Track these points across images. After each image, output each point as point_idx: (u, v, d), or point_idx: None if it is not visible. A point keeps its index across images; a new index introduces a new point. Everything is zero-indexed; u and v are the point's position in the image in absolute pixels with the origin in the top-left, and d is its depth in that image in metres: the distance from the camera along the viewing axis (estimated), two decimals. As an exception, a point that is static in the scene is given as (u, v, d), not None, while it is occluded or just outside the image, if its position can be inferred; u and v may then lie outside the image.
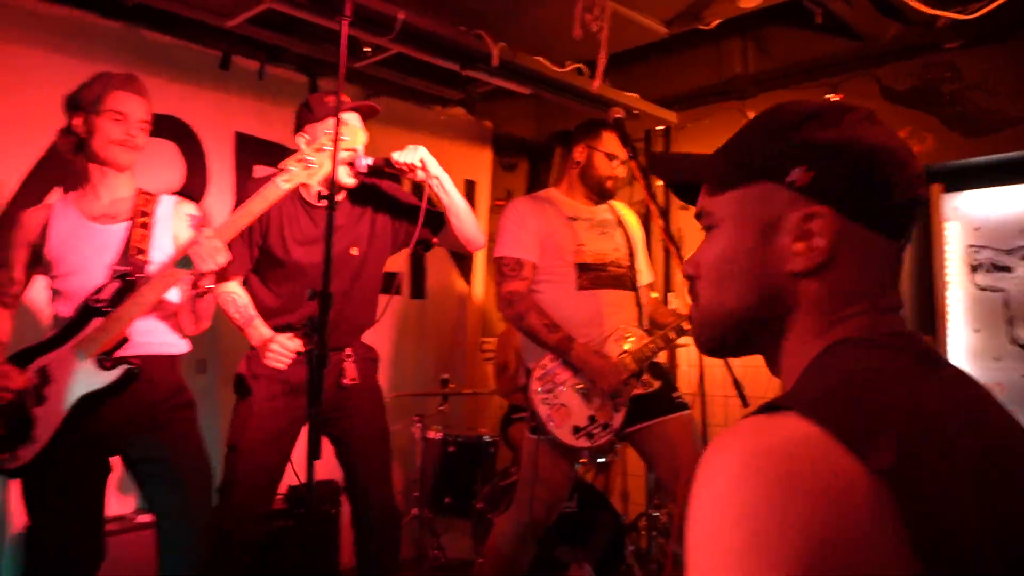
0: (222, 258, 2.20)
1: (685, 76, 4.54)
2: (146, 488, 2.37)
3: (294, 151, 3.95)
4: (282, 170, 2.26)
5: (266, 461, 2.56)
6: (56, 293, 2.34)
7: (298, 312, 2.62)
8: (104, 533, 2.38)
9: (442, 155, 4.62)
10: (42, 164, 3.24)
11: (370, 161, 2.51)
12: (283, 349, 2.46)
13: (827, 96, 3.99)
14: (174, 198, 2.48)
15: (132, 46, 3.49)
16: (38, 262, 2.37)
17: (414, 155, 2.54)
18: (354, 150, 2.49)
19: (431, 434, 4.05)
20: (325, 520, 3.58)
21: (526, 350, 2.90)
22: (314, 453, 1.64)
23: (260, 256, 2.66)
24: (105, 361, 2.21)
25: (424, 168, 2.56)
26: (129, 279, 2.25)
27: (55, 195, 3.25)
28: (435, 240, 2.81)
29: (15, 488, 3.06)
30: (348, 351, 2.70)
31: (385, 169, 2.55)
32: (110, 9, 3.39)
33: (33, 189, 3.20)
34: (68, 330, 2.25)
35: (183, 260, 2.20)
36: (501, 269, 2.85)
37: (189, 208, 2.49)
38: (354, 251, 2.68)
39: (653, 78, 4.53)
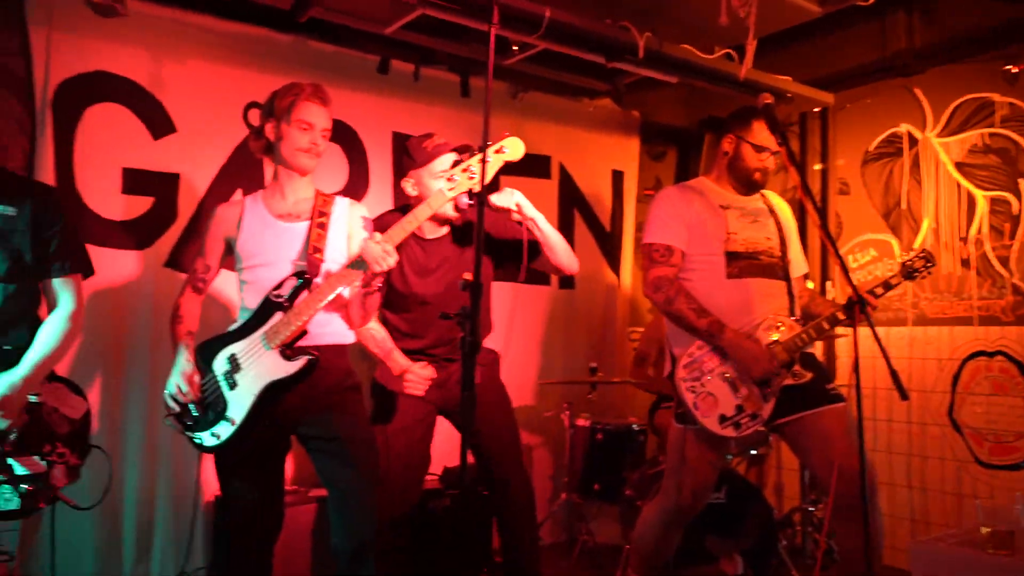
0: (392, 260, 2.36)
1: (842, 54, 4.32)
2: (320, 464, 2.56)
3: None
4: (449, 180, 2.38)
5: (412, 450, 2.82)
6: (244, 284, 2.55)
7: (428, 336, 2.91)
8: (284, 504, 2.62)
9: (590, 146, 4.77)
10: (226, 169, 3.57)
11: (471, 201, 2.55)
12: (418, 378, 2.73)
13: (1006, 68, 3.70)
14: (348, 200, 2.66)
15: (301, 56, 3.76)
16: (230, 253, 2.62)
17: (510, 199, 2.72)
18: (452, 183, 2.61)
19: (580, 421, 4.12)
20: (479, 500, 3.72)
21: (673, 337, 2.90)
22: (468, 436, 1.74)
23: (387, 289, 2.87)
24: (288, 351, 2.40)
25: (520, 211, 2.74)
26: (306, 276, 2.45)
27: (237, 196, 3.57)
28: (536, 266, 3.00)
29: (206, 461, 3.43)
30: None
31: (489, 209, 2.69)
32: (281, 23, 3.67)
33: (218, 193, 3.54)
34: (253, 322, 2.45)
35: (357, 262, 2.39)
36: (650, 255, 2.86)
37: (361, 210, 2.67)
38: (467, 275, 2.76)
39: (806, 59, 4.35)
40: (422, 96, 4.13)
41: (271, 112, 2.54)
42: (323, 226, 2.53)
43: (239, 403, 2.41)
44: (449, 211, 2.82)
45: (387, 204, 3.97)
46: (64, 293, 2.30)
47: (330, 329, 2.57)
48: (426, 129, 4.12)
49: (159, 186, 3.41)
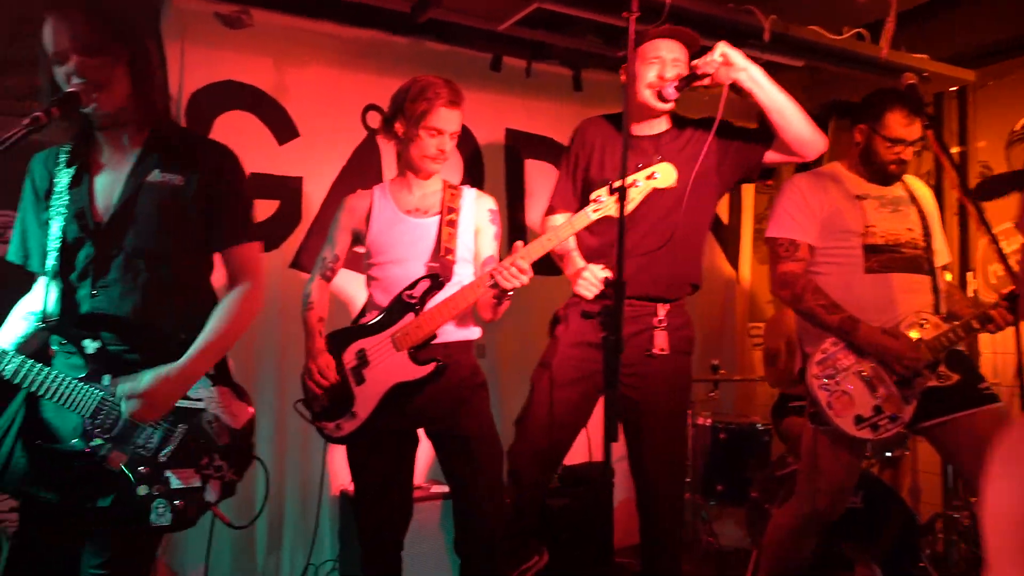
0: (525, 278, 2.30)
1: (982, 28, 4.01)
2: (444, 461, 2.57)
3: (559, 144, 4.18)
4: (594, 200, 2.31)
5: (559, 399, 2.64)
6: (373, 280, 2.55)
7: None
8: (412, 498, 2.65)
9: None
10: (346, 171, 3.65)
11: (676, 83, 2.52)
12: (592, 278, 2.48)
13: None
14: (474, 191, 2.61)
15: (417, 57, 3.80)
16: (356, 243, 2.63)
17: (714, 53, 2.47)
18: (661, 78, 2.56)
19: (701, 420, 4.01)
20: (599, 501, 3.67)
21: (804, 334, 2.76)
22: (611, 435, 1.69)
23: (584, 193, 2.71)
24: (418, 355, 2.40)
25: (728, 63, 2.46)
26: (439, 279, 2.42)
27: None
28: (769, 156, 2.63)
29: (332, 454, 3.51)
30: (662, 316, 2.63)
31: (693, 84, 2.52)
32: (398, 26, 3.71)
33: (339, 194, 3.59)
34: (385, 320, 2.45)
35: (489, 280, 2.34)
36: (775, 249, 2.73)
37: (488, 202, 2.61)
38: (607, 273, 2.61)
39: (942, 35, 4.06)
40: (534, 92, 4.10)
41: (401, 111, 2.49)
42: (453, 223, 2.50)
43: (365, 399, 2.43)
44: (653, 101, 2.60)
45: (501, 198, 3.96)
46: (241, 264, 1.99)
47: (452, 327, 2.56)
48: (538, 124, 4.13)
49: (284, 189, 3.51)
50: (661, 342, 2.62)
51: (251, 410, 2.09)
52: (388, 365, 2.42)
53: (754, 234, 4.84)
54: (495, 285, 2.33)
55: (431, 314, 2.40)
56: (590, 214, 2.31)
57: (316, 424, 2.52)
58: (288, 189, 3.52)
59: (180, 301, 1.93)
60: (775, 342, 4.03)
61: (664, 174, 2.30)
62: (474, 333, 2.61)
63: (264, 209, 3.48)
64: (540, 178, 4.08)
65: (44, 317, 1.88)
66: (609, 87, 4.25)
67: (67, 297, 1.89)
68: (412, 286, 2.43)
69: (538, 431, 2.67)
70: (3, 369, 1.79)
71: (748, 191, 4.83)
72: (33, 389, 1.81)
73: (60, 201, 1.86)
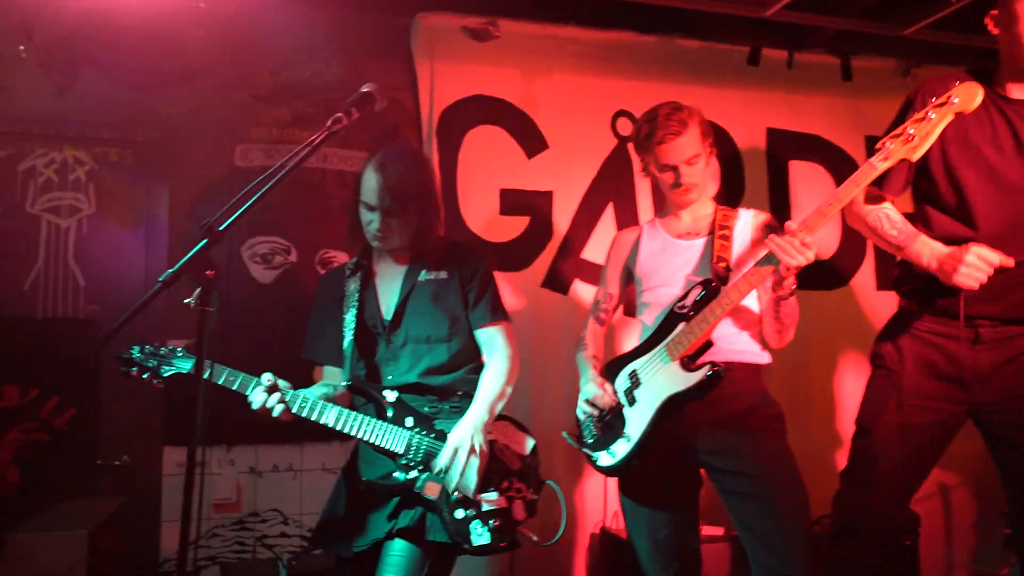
0: (810, 254, 1.99)
1: None
2: (731, 504, 2.23)
3: (828, 142, 3.73)
4: (878, 149, 1.98)
5: (900, 452, 2.19)
6: (644, 306, 2.40)
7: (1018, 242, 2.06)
8: (699, 541, 2.36)
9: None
10: (596, 183, 3.43)
11: None
12: (981, 262, 1.97)
13: None
14: (752, 212, 2.41)
15: (666, 56, 3.52)
16: (629, 281, 2.48)
17: None
18: None
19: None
20: (895, 550, 3.14)
21: None
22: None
23: (924, 182, 2.24)
24: (689, 363, 2.18)
25: None
26: (712, 284, 2.19)
27: (609, 210, 3.42)
28: None
29: (588, 487, 3.27)
30: None
31: None
32: (645, 25, 3.46)
33: (589, 207, 3.40)
34: (654, 337, 2.27)
35: (767, 257, 2.05)
36: None
37: (764, 217, 2.39)
38: None
39: None
40: (797, 85, 3.69)
41: (638, 150, 2.41)
42: (726, 236, 2.32)
43: (637, 420, 2.24)
44: None
45: (763, 206, 3.56)
46: (497, 339, 2.30)
47: (740, 346, 2.27)
48: (803, 121, 3.70)
49: (534, 205, 3.35)
50: None
51: (532, 439, 2.29)
52: (658, 380, 2.21)
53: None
54: (769, 260, 2.03)
55: (702, 316, 2.17)
56: (878, 164, 1.94)
57: (588, 454, 2.36)
58: (538, 204, 3.36)
59: (455, 365, 2.25)
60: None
61: (965, 95, 1.88)
62: (763, 357, 2.30)
63: (514, 227, 3.33)
64: (807, 182, 3.65)
65: (349, 378, 2.22)
66: (884, 74, 3.74)
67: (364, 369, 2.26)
68: (683, 296, 2.24)
69: (873, 486, 2.23)
70: (326, 418, 2.07)
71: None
72: (350, 432, 2.09)
73: (351, 302, 2.26)
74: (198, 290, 1.53)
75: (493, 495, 2.12)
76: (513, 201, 3.32)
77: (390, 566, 2.03)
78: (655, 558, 2.29)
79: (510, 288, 3.26)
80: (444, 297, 2.25)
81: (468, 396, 2.22)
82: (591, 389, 2.34)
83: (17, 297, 2.85)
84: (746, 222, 2.36)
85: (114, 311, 2.88)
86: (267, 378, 2.03)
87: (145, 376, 2.09)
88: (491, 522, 2.09)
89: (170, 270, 1.49)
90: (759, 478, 2.16)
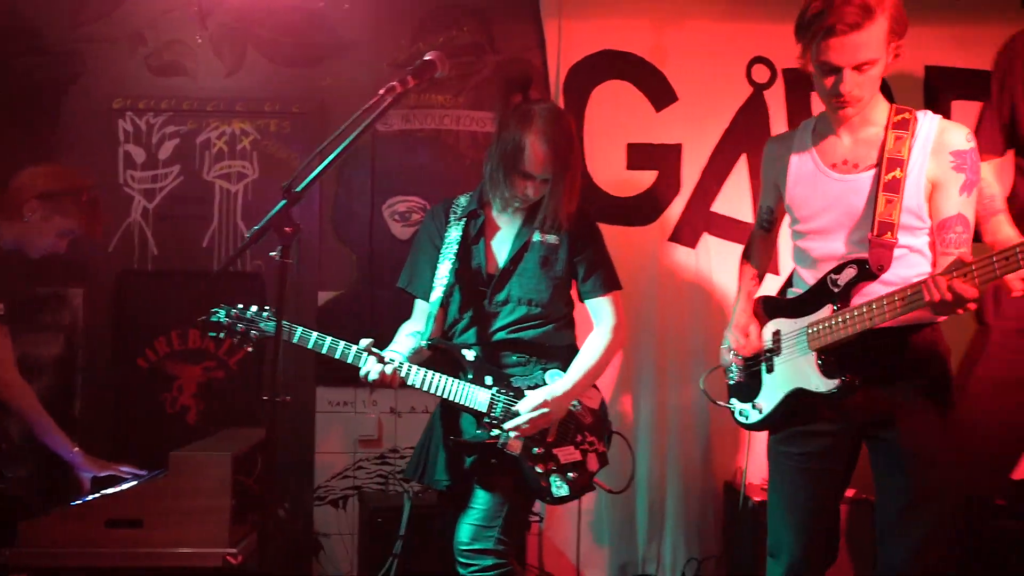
0: (971, 307, 1.67)
1: None
2: (875, 473, 2.02)
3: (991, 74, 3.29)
4: None
5: (1004, 404, 2.07)
6: (797, 249, 2.09)
7: None
8: (837, 510, 2.12)
9: None
10: (729, 134, 3.33)
11: None
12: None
13: None
14: (936, 123, 1.89)
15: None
16: (781, 199, 2.13)
17: None
18: None
19: None
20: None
21: None
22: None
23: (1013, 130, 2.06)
24: (828, 364, 1.92)
25: None
26: (867, 269, 1.87)
27: (742, 162, 3.31)
28: None
29: (716, 443, 3.25)
30: None
31: None
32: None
33: (721, 160, 3.32)
34: (806, 303, 2.00)
35: (915, 298, 1.73)
36: None
37: (957, 138, 1.86)
38: None
39: None
40: (966, 16, 3.31)
41: (801, 39, 1.90)
42: (895, 186, 1.84)
43: (770, 393, 2.06)
44: None
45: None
46: (605, 310, 2.34)
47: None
48: (970, 57, 3.32)
49: (662, 158, 3.32)
50: None
51: (600, 394, 2.37)
52: (795, 363, 1.99)
53: None
54: (916, 302, 1.73)
55: (850, 312, 1.88)
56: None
57: (728, 402, 2.23)
58: (666, 158, 3.32)
59: (551, 332, 2.30)
60: None
61: None
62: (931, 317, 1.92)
63: (642, 181, 3.33)
64: (971, 123, 3.27)
65: (429, 337, 2.28)
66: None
67: (449, 324, 2.34)
68: (839, 270, 1.92)
69: (980, 443, 2.08)
70: (411, 380, 2.19)
71: None
72: (433, 391, 2.20)
73: (449, 251, 2.30)
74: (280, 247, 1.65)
75: (569, 449, 2.22)
76: (640, 155, 3.31)
77: (472, 511, 2.18)
78: (790, 526, 2.06)
79: (637, 242, 3.28)
80: (552, 263, 2.29)
81: (555, 354, 2.29)
82: (733, 338, 2.15)
83: (198, 254, 3.29)
84: (924, 145, 1.85)
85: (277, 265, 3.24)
86: (366, 343, 2.15)
87: (236, 340, 2.20)
88: (569, 475, 2.20)
89: (255, 227, 1.67)
90: (894, 437, 1.94)
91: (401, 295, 2.43)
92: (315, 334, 2.19)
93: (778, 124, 3.28)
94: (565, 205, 2.24)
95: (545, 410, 2.17)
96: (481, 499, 2.19)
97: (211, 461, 2.29)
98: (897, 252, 1.87)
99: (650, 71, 3.32)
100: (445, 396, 2.21)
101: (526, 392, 2.22)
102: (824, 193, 1.96)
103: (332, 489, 3.23)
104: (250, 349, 2.26)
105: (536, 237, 2.29)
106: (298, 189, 1.69)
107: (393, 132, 3.33)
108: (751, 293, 2.22)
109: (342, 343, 2.19)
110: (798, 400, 1.99)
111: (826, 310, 1.92)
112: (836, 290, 1.91)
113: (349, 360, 2.19)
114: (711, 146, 3.32)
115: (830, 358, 1.91)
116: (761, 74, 3.32)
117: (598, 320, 2.36)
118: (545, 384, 2.25)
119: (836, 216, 1.94)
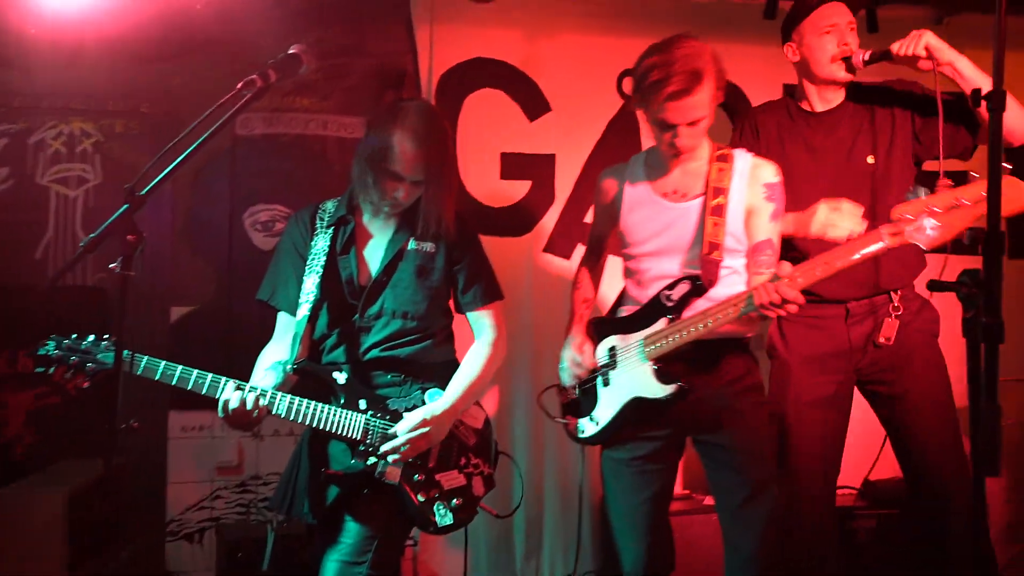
0: (793, 308, 1.88)
1: None
2: (709, 470, 2.22)
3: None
4: (894, 221, 1.83)
5: (818, 425, 2.40)
6: (629, 271, 2.26)
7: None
8: (668, 510, 2.29)
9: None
10: (601, 145, 3.34)
11: (866, 56, 2.33)
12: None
13: None
14: (749, 159, 2.15)
15: (677, 11, 3.39)
16: (615, 225, 2.28)
17: (918, 43, 2.23)
18: (847, 44, 2.35)
19: None
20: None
21: None
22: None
23: None
24: (663, 371, 2.06)
25: (931, 54, 2.21)
26: (699, 284, 2.05)
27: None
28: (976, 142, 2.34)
29: (593, 457, 3.22)
30: (897, 302, 2.36)
31: (889, 62, 2.31)
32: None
33: (594, 170, 3.29)
34: (639, 319, 2.14)
35: (747, 303, 1.93)
36: None
37: (767, 173, 2.13)
38: (870, 159, 2.37)
39: None
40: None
41: (635, 91, 2.12)
42: (720, 210, 2.07)
43: (606, 406, 2.17)
44: (837, 73, 2.38)
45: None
46: (484, 322, 2.24)
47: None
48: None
49: (536, 168, 3.30)
50: (888, 330, 2.36)
51: (484, 412, 2.24)
52: (631, 374, 2.12)
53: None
54: (748, 307, 1.93)
55: (684, 324, 2.04)
56: (885, 238, 1.84)
57: (563, 419, 2.32)
58: (540, 168, 3.30)
59: (429, 348, 2.17)
60: None
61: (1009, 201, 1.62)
62: (751, 329, 2.18)
63: (516, 190, 3.29)
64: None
65: (295, 361, 2.09)
66: (913, 25, 3.48)
67: (316, 344, 2.17)
68: (672, 286, 2.09)
69: (805, 470, 2.39)
70: (277, 409, 2.00)
71: None
72: (302, 420, 2.03)
73: (316, 264, 2.12)
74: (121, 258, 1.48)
75: (453, 473, 2.09)
76: (514, 165, 3.27)
77: (339, 546, 2.01)
78: (624, 525, 2.23)
79: (511, 253, 3.23)
80: (429, 273, 2.16)
81: (434, 372, 2.16)
82: (570, 356, 2.25)
83: (29, 266, 2.96)
84: (742, 177, 2.10)
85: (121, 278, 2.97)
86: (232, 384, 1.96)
87: (67, 376, 1.92)
88: (454, 502, 2.08)
89: (91, 235, 1.49)
90: (732, 448, 2.13)
91: (264, 310, 2.23)
92: (163, 363, 1.95)
93: (649, 135, 3.31)
94: (441, 210, 2.11)
95: (425, 430, 2.03)
96: (350, 532, 2.02)
97: (42, 499, 2.04)
98: (722, 272, 2.08)
99: (523, 81, 3.29)
100: (316, 425, 2.03)
101: (404, 415, 2.07)
102: (658, 220, 2.16)
103: (187, 522, 2.99)
104: (86, 385, 1.95)
105: (412, 245, 2.15)
106: (143, 192, 1.51)
107: (255, 136, 3.13)
108: (583, 316, 2.32)
109: (195, 372, 1.97)
110: (635, 409, 2.10)
111: (661, 323, 2.08)
112: (670, 304, 2.07)
113: (203, 391, 1.97)
114: (584, 156, 3.33)
115: (665, 367, 2.06)
116: (631, 86, 3.34)
117: (479, 333, 2.25)
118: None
119: (669, 240, 2.14)
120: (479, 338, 2.25)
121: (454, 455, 2.12)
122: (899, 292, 2.38)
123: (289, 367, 2.08)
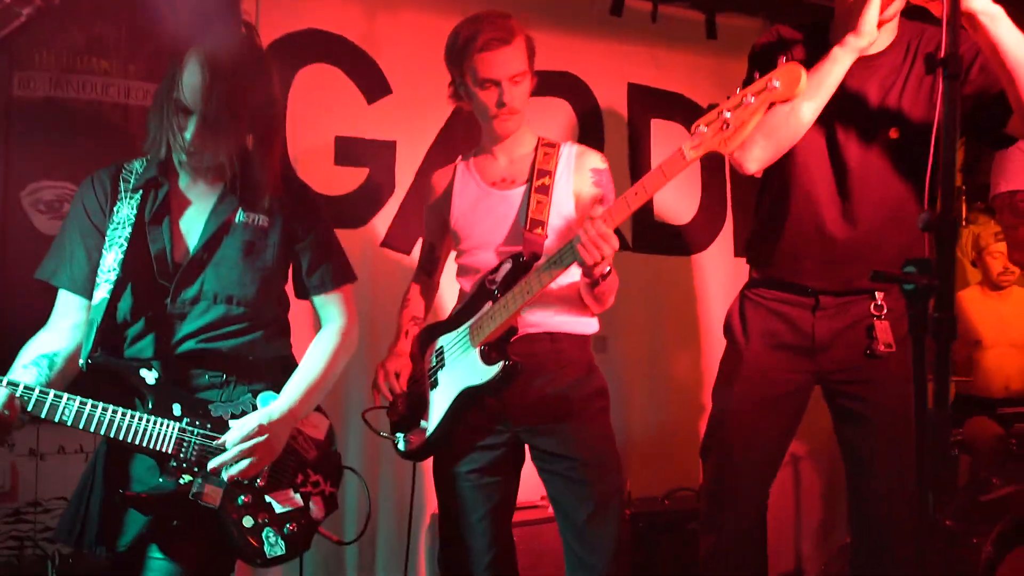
0: (612, 246, 1.79)
1: None
2: (549, 484, 2.11)
3: (690, 100, 3.57)
4: (693, 133, 1.74)
5: (759, 425, 2.10)
6: (461, 269, 2.18)
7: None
8: (511, 524, 2.19)
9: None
10: (444, 133, 3.14)
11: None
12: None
13: None
14: (576, 148, 2.16)
15: (520, 2, 3.25)
16: (446, 232, 2.23)
17: None
18: None
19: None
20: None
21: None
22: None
23: None
24: (489, 353, 1.95)
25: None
26: (522, 260, 1.96)
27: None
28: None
29: (425, 470, 3.02)
30: (880, 301, 2.01)
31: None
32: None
33: (436, 160, 3.10)
34: (464, 311, 2.07)
35: (566, 253, 1.85)
36: (1017, 205, 2.11)
37: (593, 160, 2.14)
38: (893, 134, 1.97)
39: None
40: (661, 40, 3.53)
41: (453, 70, 2.11)
42: (545, 190, 2.05)
43: (436, 407, 2.03)
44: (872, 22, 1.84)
45: (623, 165, 3.40)
46: (328, 308, 1.94)
47: (561, 317, 2.07)
48: (666, 78, 3.52)
49: (374, 155, 3.04)
50: (886, 336, 1.98)
51: (327, 420, 1.95)
52: (459, 367, 2.02)
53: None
54: (569, 256, 1.83)
55: (506, 300, 1.94)
56: (687, 153, 1.73)
57: (392, 436, 2.15)
58: (379, 155, 3.05)
59: (258, 341, 1.84)
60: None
61: (786, 79, 1.63)
62: (590, 326, 2.12)
63: (352, 178, 3.01)
64: (668, 141, 3.49)
65: (89, 356, 1.70)
66: (749, 34, 3.61)
67: (117, 334, 1.77)
68: (495, 270, 2.02)
69: (737, 467, 2.12)
70: (63, 415, 1.62)
71: None
72: (94, 429, 1.64)
73: (121, 233, 1.74)
74: None
75: (287, 493, 1.78)
76: (350, 150, 3.00)
77: None
78: (471, 542, 2.08)
79: (346, 247, 2.91)
80: (260, 251, 1.81)
81: (264, 371, 1.84)
82: (383, 375, 2.11)
83: None
84: (568, 162, 2.09)
85: None
86: None
87: None
88: (286, 527, 1.75)
89: None
90: (575, 460, 2.03)
91: (46, 301, 1.82)
92: None
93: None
94: (267, 173, 1.78)
95: (262, 438, 1.69)
96: (157, 570, 1.66)
97: None
98: (547, 245, 2.00)
99: (362, 58, 3.03)
100: (115, 435, 1.65)
101: (230, 423, 1.73)
102: (486, 209, 2.11)
103: (-60, 563, 2.45)
104: None
105: (240, 217, 1.80)
106: None
107: (37, 99, 2.64)
108: (411, 333, 2.20)
109: None
110: (466, 402, 1.98)
111: (486, 307, 1.99)
112: (494, 287, 1.98)
113: None
114: (427, 145, 3.12)
115: (489, 348, 1.97)
116: (447, 60, 3.17)
117: (326, 320, 1.95)
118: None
119: (496, 227, 2.09)
120: (326, 325, 1.94)
121: (290, 472, 1.80)
122: (882, 292, 2.03)
123: (82, 361, 1.70)
